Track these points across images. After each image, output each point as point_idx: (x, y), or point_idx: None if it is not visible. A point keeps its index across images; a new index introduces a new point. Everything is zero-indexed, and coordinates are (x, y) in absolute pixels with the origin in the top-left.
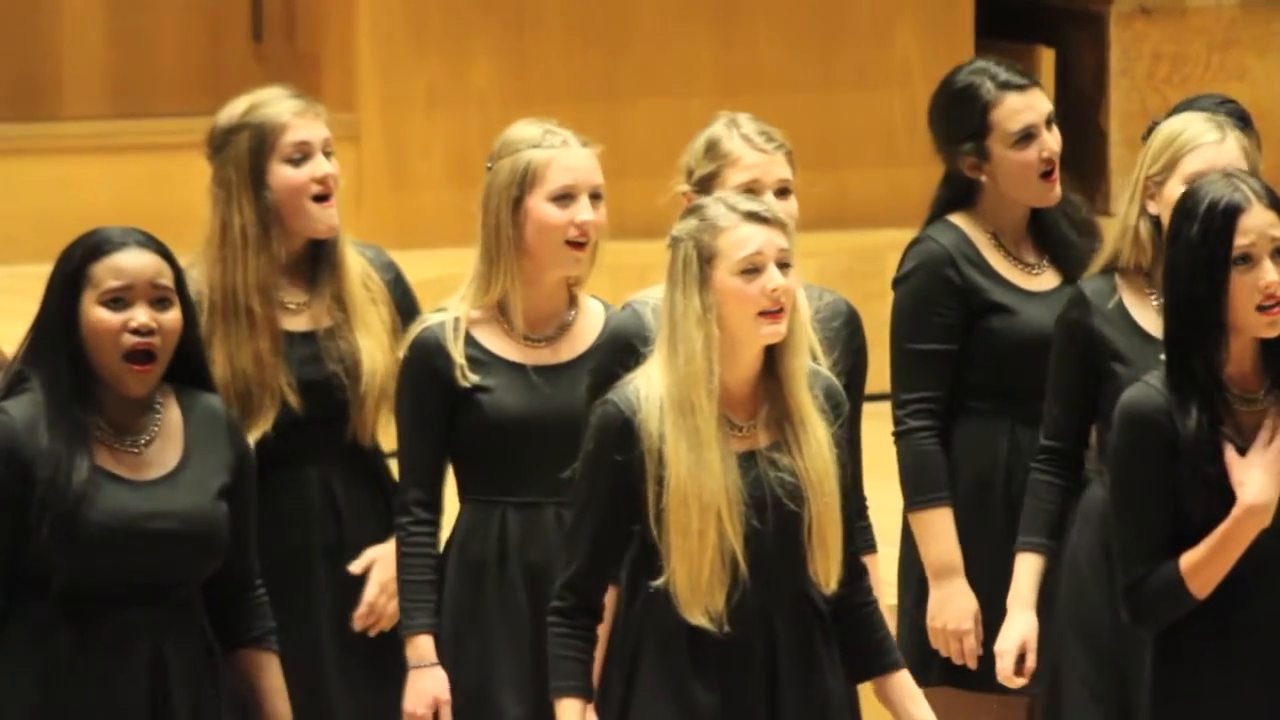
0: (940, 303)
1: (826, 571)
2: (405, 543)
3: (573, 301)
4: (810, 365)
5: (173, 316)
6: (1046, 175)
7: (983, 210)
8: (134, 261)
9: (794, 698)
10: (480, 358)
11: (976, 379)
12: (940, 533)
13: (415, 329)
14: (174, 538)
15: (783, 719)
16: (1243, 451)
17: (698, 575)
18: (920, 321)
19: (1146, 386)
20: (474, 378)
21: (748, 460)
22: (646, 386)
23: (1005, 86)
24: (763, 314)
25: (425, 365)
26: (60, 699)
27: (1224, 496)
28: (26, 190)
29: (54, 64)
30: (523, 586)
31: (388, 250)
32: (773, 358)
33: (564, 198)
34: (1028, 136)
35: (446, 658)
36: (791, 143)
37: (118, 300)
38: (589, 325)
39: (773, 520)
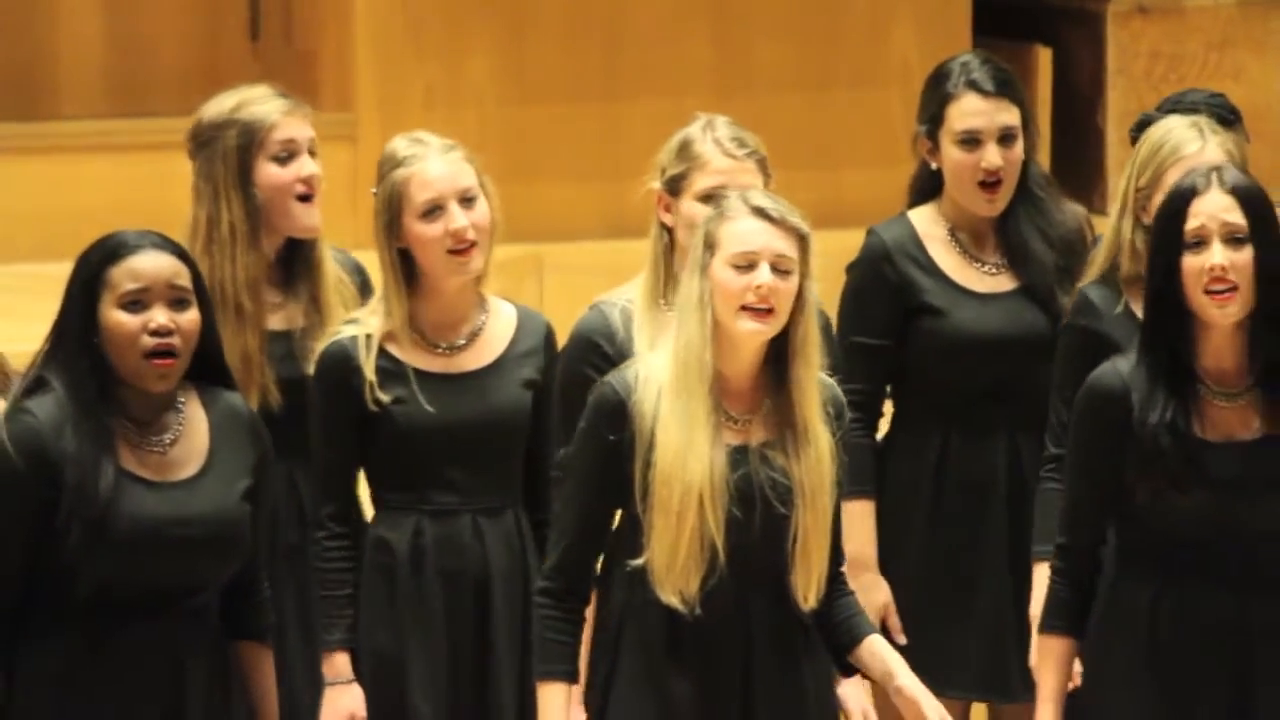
0: (875, 298)
1: (806, 586)
2: (321, 558)
3: (482, 305)
4: (819, 377)
5: (191, 317)
6: (986, 186)
7: (944, 203)
8: (151, 263)
9: (768, 690)
10: (393, 369)
11: (912, 376)
12: (858, 525)
13: (323, 343)
14: (198, 543)
15: (756, 710)
16: (1202, 443)
17: (674, 554)
18: (857, 315)
19: (1112, 367)
20: (385, 395)
21: (740, 453)
22: (647, 370)
23: (971, 86)
24: (744, 309)
25: (337, 379)
26: (79, 701)
27: (1173, 483)
28: (24, 189)
29: (51, 63)
30: (439, 594)
31: None
32: (782, 362)
33: (432, 211)
34: (971, 141)
35: (361, 663)
36: (788, 142)
37: (136, 303)
38: (500, 329)
39: (760, 518)
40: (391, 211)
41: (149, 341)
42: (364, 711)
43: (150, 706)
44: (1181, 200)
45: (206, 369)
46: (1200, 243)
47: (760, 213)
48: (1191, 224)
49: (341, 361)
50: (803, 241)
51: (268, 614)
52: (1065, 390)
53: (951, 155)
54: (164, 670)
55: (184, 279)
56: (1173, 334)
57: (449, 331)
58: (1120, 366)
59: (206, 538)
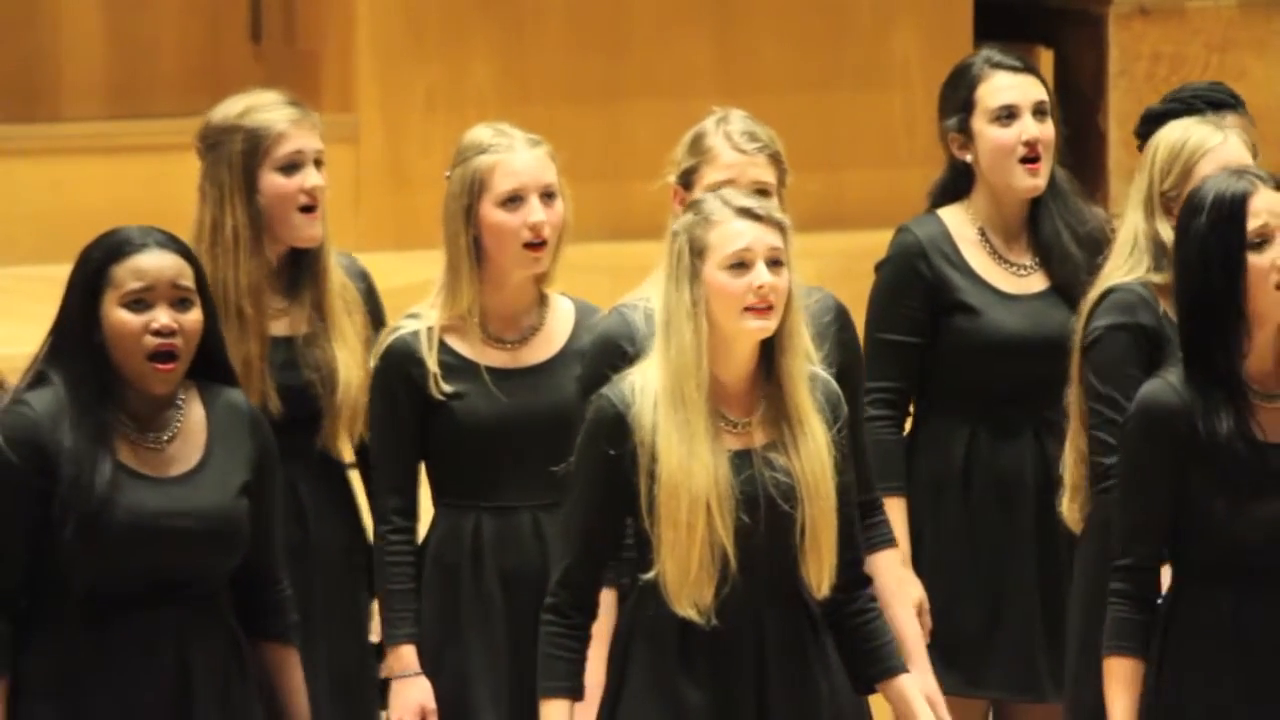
0: (908, 295)
1: (819, 575)
2: (386, 552)
3: (543, 301)
4: (810, 368)
5: (193, 317)
6: (1027, 161)
7: (975, 202)
8: (154, 262)
9: (783, 696)
10: (453, 363)
11: (941, 375)
12: (891, 523)
13: (386, 338)
14: (192, 536)
15: (771, 716)
16: (1268, 447)
17: (686, 567)
18: (888, 312)
19: (1164, 383)
20: (447, 385)
21: (742, 458)
22: (642, 380)
23: (997, 66)
24: (748, 309)
25: (399, 373)
26: (83, 699)
27: (1253, 491)
28: (25, 191)
29: (53, 65)
30: (498, 591)
31: (387, 251)
32: (771, 357)
33: (513, 200)
34: (1008, 115)
35: (424, 664)
36: (790, 143)
37: (139, 302)
38: (559, 325)
39: (765, 519)
40: (470, 196)
41: (151, 342)
42: (433, 703)
43: (154, 699)
44: (1236, 203)
45: (210, 367)
46: (1264, 241)
47: (745, 212)
48: (1254, 223)
49: (403, 355)
50: (785, 233)
51: (288, 613)
52: (1124, 392)
53: (989, 135)
54: (167, 662)
55: (187, 278)
56: (1219, 340)
57: (509, 325)
58: (1171, 379)
59: (203, 531)
